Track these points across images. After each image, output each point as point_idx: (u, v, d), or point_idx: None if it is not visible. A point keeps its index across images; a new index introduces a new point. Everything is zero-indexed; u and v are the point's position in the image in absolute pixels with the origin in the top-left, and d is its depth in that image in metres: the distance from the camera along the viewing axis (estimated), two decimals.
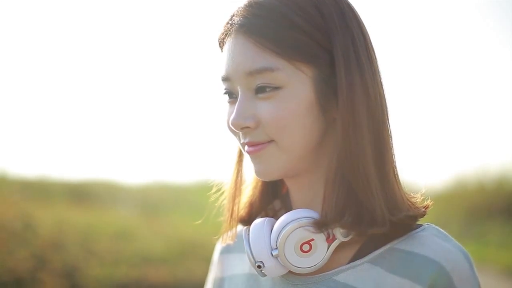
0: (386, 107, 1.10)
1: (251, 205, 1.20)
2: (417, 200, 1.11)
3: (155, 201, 12.20)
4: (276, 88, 1.05)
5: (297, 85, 1.05)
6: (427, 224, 1.10)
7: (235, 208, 1.19)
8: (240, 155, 1.19)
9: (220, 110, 1.15)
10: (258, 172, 1.10)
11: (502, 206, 12.22)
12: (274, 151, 1.07)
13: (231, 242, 1.22)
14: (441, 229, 1.09)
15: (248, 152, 1.09)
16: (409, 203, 1.09)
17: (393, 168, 1.09)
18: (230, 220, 1.19)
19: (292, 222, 1.07)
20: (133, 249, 6.64)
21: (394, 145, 1.10)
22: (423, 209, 1.10)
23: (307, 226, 1.06)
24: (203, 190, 1.27)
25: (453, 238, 1.08)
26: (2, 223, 5.99)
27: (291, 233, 1.06)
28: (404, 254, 1.06)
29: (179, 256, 6.78)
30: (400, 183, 1.10)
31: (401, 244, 1.07)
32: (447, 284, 1.03)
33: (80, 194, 11.08)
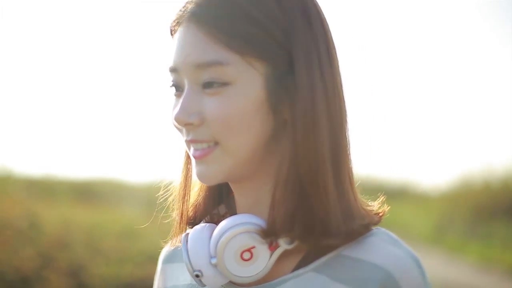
0: (345, 111, 1.03)
1: (196, 207, 1.12)
2: (373, 208, 1.05)
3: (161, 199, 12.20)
4: (225, 84, 0.97)
5: (247, 82, 0.98)
6: (376, 229, 1.03)
7: (184, 209, 1.11)
8: None
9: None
10: (199, 176, 1.02)
11: (507, 206, 12.20)
12: (219, 155, 1.00)
13: (180, 245, 1.12)
14: (391, 234, 1.02)
15: (194, 157, 1.02)
16: (364, 212, 1.02)
17: (349, 175, 1.03)
18: (180, 222, 1.11)
19: (231, 229, 0.99)
20: (139, 247, 6.65)
21: (350, 150, 1.04)
22: (378, 216, 1.04)
23: (249, 232, 0.99)
24: None
25: (403, 243, 1.01)
26: (8, 221, 6.00)
27: (230, 240, 0.99)
28: (350, 261, 0.99)
29: None
30: (355, 191, 1.03)
31: (348, 251, 1.00)
32: None
33: (86, 192, 11.11)
